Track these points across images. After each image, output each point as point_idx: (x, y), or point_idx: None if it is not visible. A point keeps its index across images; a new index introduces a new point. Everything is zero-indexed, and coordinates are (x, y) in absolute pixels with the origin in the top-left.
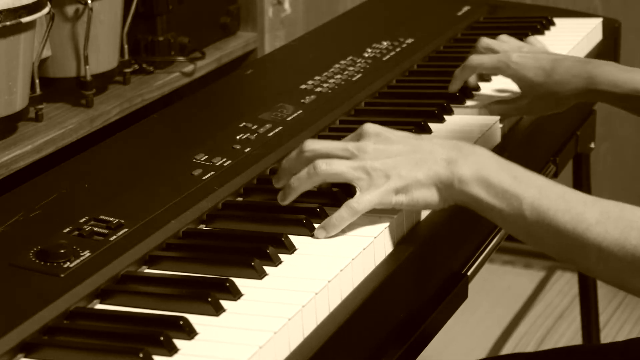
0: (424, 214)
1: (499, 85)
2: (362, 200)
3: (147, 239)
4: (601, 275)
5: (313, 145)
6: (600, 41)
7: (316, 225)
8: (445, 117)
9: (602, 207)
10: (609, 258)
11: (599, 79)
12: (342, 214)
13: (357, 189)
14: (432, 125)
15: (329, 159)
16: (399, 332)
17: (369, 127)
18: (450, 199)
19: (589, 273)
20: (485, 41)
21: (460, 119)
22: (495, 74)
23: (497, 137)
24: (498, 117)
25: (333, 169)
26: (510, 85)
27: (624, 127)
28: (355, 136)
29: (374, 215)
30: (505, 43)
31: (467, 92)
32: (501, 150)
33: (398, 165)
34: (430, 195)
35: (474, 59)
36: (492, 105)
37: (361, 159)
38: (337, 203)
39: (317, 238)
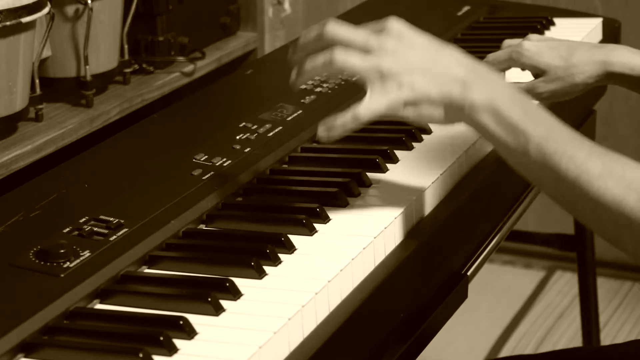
0: (426, 212)
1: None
2: (369, 107)
3: (147, 239)
4: (595, 227)
5: (336, 29)
6: (600, 41)
7: (316, 225)
8: None
9: (605, 161)
10: (604, 214)
11: (614, 62)
12: (346, 119)
13: (367, 90)
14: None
15: (348, 49)
16: (399, 332)
17: (394, 24)
18: (458, 120)
19: (582, 221)
20: (507, 42)
21: None
22: (510, 67)
23: None
24: None
25: (349, 61)
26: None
27: (624, 127)
28: (378, 27)
29: (373, 215)
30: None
31: None
32: None
33: (413, 76)
34: (438, 113)
35: (489, 56)
36: None
37: (379, 57)
38: (337, 203)
39: (320, 136)
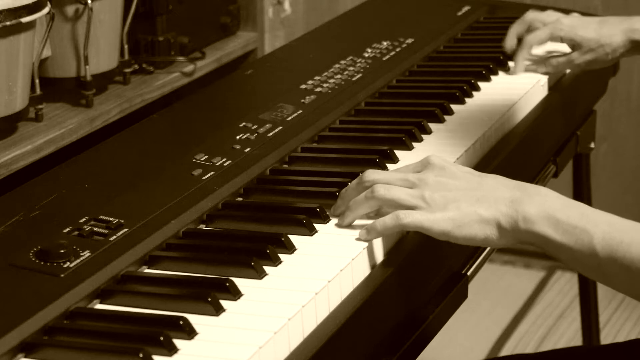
0: None
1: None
2: (412, 216)
3: (147, 239)
4: None
5: (373, 175)
6: None
7: (316, 225)
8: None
9: None
10: None
11: (638, 29)
12: (387, 221)
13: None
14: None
15: (388, 185)
16: (398, 331)
17: (434, 159)
18: (513, 238)
19: None
20: (531, 15)
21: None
22: (548, 40)
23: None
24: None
25: (391, 193)
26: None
27: (624, 127)
28: (419, 165)
29: (373, 216)
30: (551, 16)
31: (467, 91)
32: (501, 151)
33: (458, 199)
34: (490, 231)
35: (531, 37)
36: (547, 59)
37: (421, 188)
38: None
39: (360, 239)
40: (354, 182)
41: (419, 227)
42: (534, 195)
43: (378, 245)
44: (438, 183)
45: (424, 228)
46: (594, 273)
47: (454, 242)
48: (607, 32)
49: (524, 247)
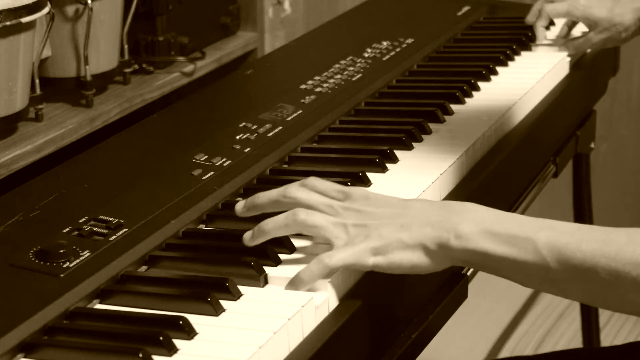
0: None
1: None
2: (335, 256)
3: (147, 239)
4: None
5: (296, 192)
6: None
7: None
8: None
9: (627, 231)
10: None
11: None
12: (312, 269)
13: (333, 244)
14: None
15: (310, 210)
16: (398, 331)
17: (357, 190)
18: (446, 260)
19: (626, 308)
20: None
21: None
22: (565, 17)
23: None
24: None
25: (312, 220)
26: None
27: (624, 127)
28: (342, 194)
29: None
30: None
31: (467, 92)
32: (500, 151)
33: (380, 227)
34: (417, 257)
35: (549, 8)
36: (568, 42)
37: (343, 217)
38: None
39: (289, 290)
40: (273, 192)
41: (345, 264)
42: (463, 213)
43: None
44: (362, 212)
45: (350, 264)
46: (543, 282)
47: (382, 272)
48: (619, 11)
49: None
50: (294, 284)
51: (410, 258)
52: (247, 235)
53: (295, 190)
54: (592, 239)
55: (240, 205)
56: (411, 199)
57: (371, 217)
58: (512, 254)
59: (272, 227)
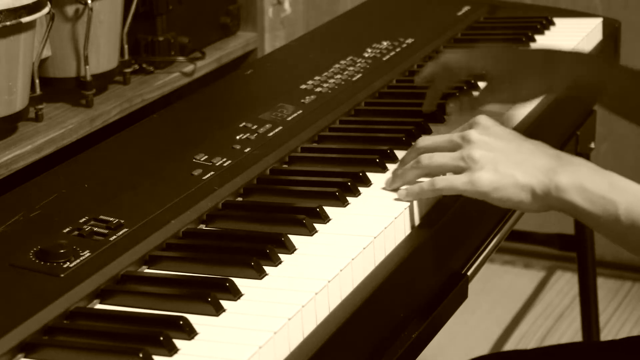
0: (426, 211)
1: None
2: (445, 179)
3: (147, 239)
4: None
5: (423, 141)
6: (600, 41)
7: (316, 225)
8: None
9: None
10: None
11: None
12: (423, 186)
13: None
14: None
15: (433, 153)
16: (399, 331)
17: (481, 119)
18: (545, 204)
19: None
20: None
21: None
22: None
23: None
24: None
25: (433, 162)
26: None
27: (624, 127)
28: (467, 125)
29: (374, 215)
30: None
31: (467, 92)
32: None
33: (497, 160)
34: (525, 196)
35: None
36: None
37: (464, 148)
38: (338, 203)
39: (399, 196)
40: (410, 148)
41: (454, 190)
42: (568, 165)
43: (379, 246)
44: (480, 142)
45: (459, 190)
46: (620, 241)
47: (489, 202)
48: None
49: (524, 247)
50: (408, 192)
51: (519, 195)
52: (387, 182)
53: (422, 139)
54: None
55: (388, 182)
56: (528, 139)
57: (488, 147)
58: (597, 212)
59: (403, 174)
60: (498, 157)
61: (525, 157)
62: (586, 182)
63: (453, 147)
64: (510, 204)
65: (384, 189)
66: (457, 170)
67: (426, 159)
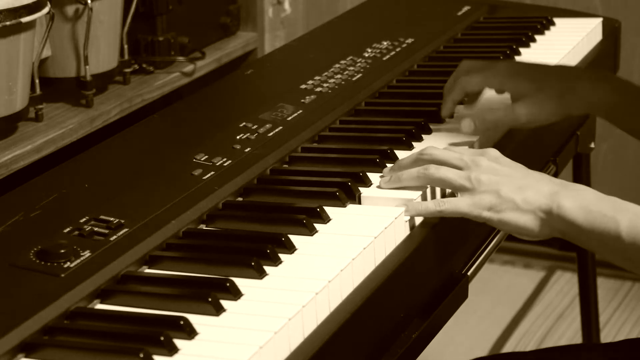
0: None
1: None
2: (450, 201)
3: (147, 239)
4: None
5: (433, 150)
6: (600, 41)
7: (316, 225)
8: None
9: None
10: None
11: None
12: (428, 205)
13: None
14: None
15: (441, 165)
16: (399, 331)
17: (491, 151)
18: (547, 227)
19: None
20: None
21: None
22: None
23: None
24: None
25: (440, 174)
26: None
27: None
28: (478, 152)
29: (374, 215)
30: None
31: None
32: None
33: (501, 184)
34: (525, 220)
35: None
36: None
37: (471, 170)
38: (338, 203)
39: (405, 212)
40: (414, 154)
41: (457, 212)
42: (572, 190)
43: (379, 246)
44: (488, 167)
45: (461, 213)
46: (621, 260)
47: (490, 225)
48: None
49: (524, 247)
50: (410, 211)
51: (519, 220)
52: (383, 180)
53: (432, 148)
54: None
55: (385, 181)
56: (532, 171)
57: (495, 172)
58: (598, 229)
59: (406, 177)
60: (502, 182)
61: (530, 182)
62: (589, 203)
63: (461, 166)
64: (511, 227)
65: (384, 189)
66: (461, 190)
67: (434, 169)
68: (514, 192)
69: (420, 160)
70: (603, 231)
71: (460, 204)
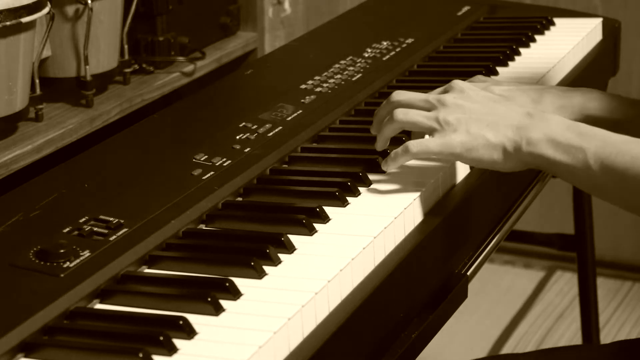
0: (425, 212)
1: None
2: (422, 142)
3: (147, 239)
4: None
5: (399, 96)
6: (600, 41)
7: (316, 225)
8: None
9: None
10: None
11: (589, 107)
12: (397, 151)
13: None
14: None
15: (408, 109)
16: (398, 331)
17: (457, 83)
18: (518, 161)
19: None
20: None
21: None
22: None
23: None
24: None
25: (408, 118)
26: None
27: None
28: (442, 90)
29: (373, 215)
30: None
31: None
32: None
33: (469, 122)
34: (497, 155)
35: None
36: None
37: (437, 110)
38: (337, 203)
39: (385, 170)
40: (385, 101)
41: (428, 153)
42: (539, 121)
43: (378, 246)
44: (454, 105)
45: (434, 153)
46: (589, 186)
47: (465, 163)
48: (548, 105)
49: (524, 247)
50: (387, 162)
51: (491, 155)
52: (383, 164)
53: (397, 93)
54: (630, 151)
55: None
56: (501, 98)
57: (462, 110)
58: (567, 161)
59: (383, 128)
60: (471, 119)
61: (497, 118)
62: (555, 134)
63: (428, 107)
64: (484, 164)
65: (383, 189)
66: (430, 131)
67: (401, 114)
68: (483, 128)
69: (389, 106)
70: (571, 162)
71: (430, 145)
